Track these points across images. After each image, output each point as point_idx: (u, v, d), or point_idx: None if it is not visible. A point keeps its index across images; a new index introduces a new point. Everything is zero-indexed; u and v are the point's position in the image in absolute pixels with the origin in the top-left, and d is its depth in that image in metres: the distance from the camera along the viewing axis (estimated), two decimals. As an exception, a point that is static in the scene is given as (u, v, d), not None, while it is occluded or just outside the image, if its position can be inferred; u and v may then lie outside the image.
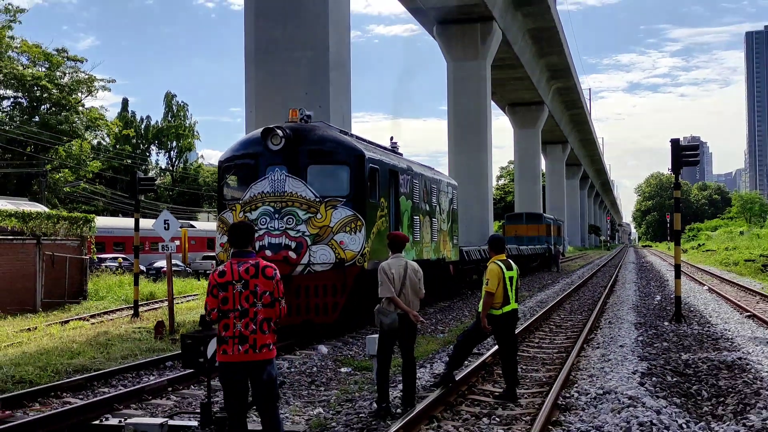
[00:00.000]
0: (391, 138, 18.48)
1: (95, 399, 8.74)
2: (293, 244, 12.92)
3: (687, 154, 16.21)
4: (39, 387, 9.48)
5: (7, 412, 8.17)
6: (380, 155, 15.02)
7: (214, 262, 23.17)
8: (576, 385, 9.29)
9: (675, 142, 16.27)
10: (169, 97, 70.56)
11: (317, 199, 13.08)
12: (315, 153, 13.43)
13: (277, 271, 5.75)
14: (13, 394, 8.99)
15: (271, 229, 13.10)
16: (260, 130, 13.64)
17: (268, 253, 12.83)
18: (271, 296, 5.62)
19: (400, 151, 18.44)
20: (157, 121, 70.49)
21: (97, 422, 7.86)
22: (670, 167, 16.29)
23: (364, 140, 15.78)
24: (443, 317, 17.58)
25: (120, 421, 7.79)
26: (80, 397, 9.35)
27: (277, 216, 13.07)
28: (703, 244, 75.94)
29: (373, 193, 14.03)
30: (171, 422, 7.34)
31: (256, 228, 12.50)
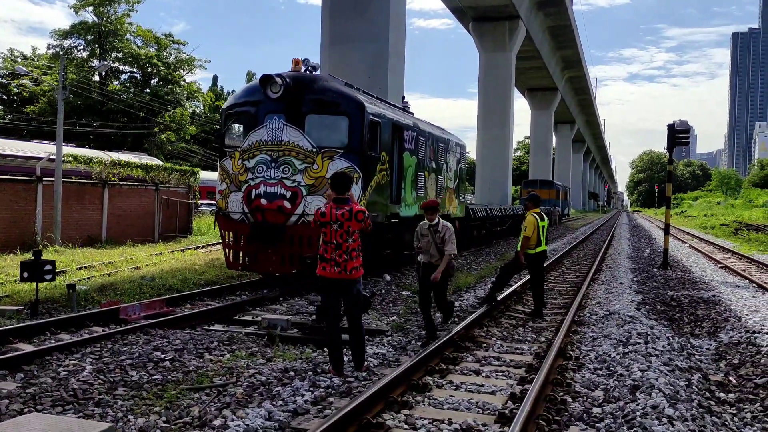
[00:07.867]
0: (403, 98, 16.76)
1: (231, 302, 9.58)
2: (288, 194, 10.81)
3: (680, 136, 16.59)
4: (185, 293, 10.35)
5: (170, 308, 9.24)
6: (383, 109, 12.57)
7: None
8: (587, 308, 10.06)
9: (671, 126, 16.63)
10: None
11: (314, 150, 10.85)
12: (314, 102, 11.11)
13: (367, 213, 6.06)
14: (171, 296, 9.91)
15: (267, 177, 10.99)
16: (260, 76, 11.34)
17: (263, 201, 10.93)
18: (360, 232, 6.03)
19: (411, 111, 15.91)
20: (239, 95, 71.37)
21: (236, 317, 8.83)
22: (665, 146, 16.69)
23: (371, 95, 13.38)
24: (475, 259, 18.35)
25: (253, 317, 8.78)
26: (217, 301, 10.20)
27: (273, 165, 10.95)
28: (686, 211, 75.12)
29: (373, 146, 11.67)
30: (293, 319, 8.25)
31: (253, 176, 11.09)
